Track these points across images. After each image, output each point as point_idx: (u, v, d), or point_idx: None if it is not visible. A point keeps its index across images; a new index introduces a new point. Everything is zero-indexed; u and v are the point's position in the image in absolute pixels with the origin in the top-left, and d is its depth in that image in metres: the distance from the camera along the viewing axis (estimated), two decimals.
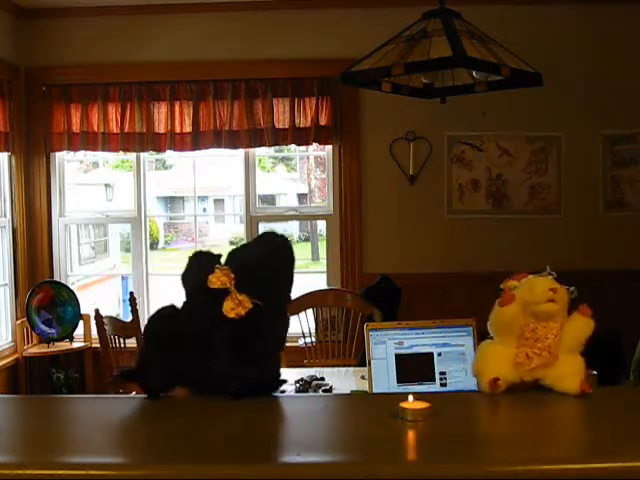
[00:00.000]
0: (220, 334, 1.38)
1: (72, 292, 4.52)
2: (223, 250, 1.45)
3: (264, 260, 1.42)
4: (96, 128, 4.48)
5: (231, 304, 1.36)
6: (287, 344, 3.83)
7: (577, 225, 4.51)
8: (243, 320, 1.36)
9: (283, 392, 2.65)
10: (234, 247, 1.49)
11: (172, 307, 1.45)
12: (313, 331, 3.90)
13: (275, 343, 1.45)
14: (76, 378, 4.40)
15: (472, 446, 1.17)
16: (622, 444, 1.14)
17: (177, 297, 1.48)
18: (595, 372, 1.85)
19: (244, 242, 1.55)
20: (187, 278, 1.46)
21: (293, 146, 4.72)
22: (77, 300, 4.50)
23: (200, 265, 1.44)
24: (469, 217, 4.54)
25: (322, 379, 2.77)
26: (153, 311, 1.48)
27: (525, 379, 1.40)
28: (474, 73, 2.85)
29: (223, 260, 1.44)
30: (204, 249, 1.50)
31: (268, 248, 1.44)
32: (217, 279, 1.37)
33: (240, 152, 4.62)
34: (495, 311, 1.44)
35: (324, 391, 2.63)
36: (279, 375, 1.46)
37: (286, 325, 1.48)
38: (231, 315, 1.35)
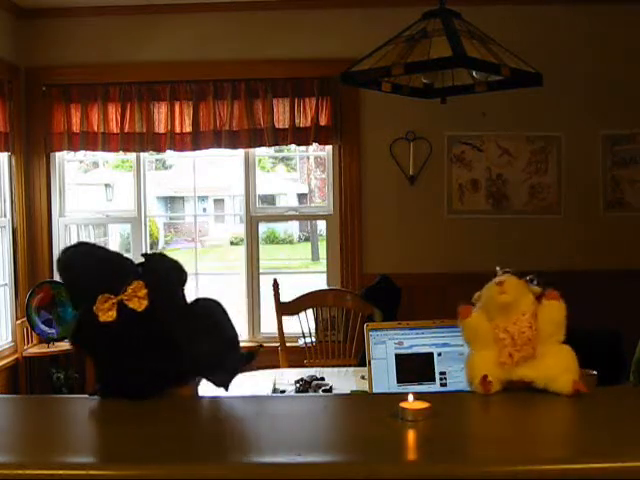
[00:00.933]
0: (153, 329, 1.38)
1: None
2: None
3: (78, 270, 1.45)
4: (96, 128, 4.48)
5: (136, 302, 1.36)
6: (287, 344, 3.83)
7: (577, 225, 4.51)
8: (153, 302, 1.37)
9: (283, 392, 2.66)
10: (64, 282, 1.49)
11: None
12: (313, 331, 3.91)
13: (179, 285, 1.45)
14: (76, 378, 4.40)
15: (472, 446, 1.17)
16: (622, 444, 1.14)
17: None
18: (595, 372, 1.85)
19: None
20: (82, 340, 1.46)
21: (293, 146, 4.72)
22: None
23: (79, 321, 1.44)
24: (469, 217, 4.54)
25: (322, 379, 2.77)
26: None
27: (513, 379, 1.40)
28: (474, 73, 2.85)
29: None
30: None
31: (67, 260, 1.48)
32: (105, 310, 1.38)
33: (240, 152, 4.62)
34: (460, 325, 1.47)
35: (324, 391, 2.63)
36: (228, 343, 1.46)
37: (172, 270, 1.48)
38: (145, 304, 1.36)
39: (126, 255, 1.50)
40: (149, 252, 1.50)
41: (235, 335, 1.47)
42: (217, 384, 1.42)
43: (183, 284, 1.45)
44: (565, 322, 1.43)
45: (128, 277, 1.40)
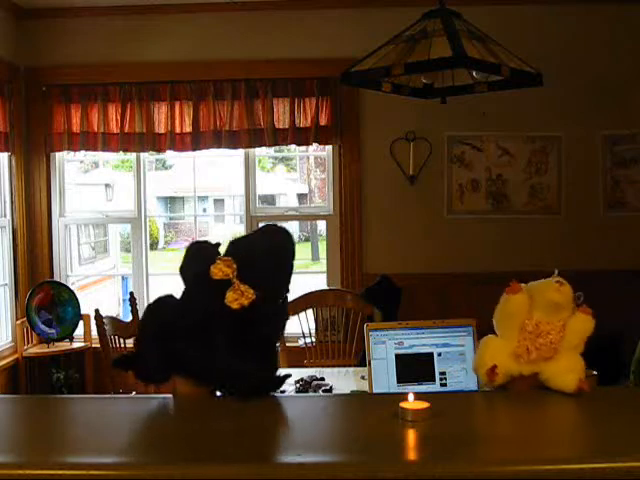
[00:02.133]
0: (221, 326, 1.37)
1: (72, 292, 4.52)
2: (223, 249, 1.46)
3: (266, 252, 1.43)
4: (96, 128, 4.47)
5: (234, 295, 1.35)
6: (287, 344, 3.82)
7: (577, 225, 4.51)
8: (245, 311, 1.36)
9: (283, 392, 2.66)
10: (235, 237, 1.49)
11: (171, 296, 1.45)
12: (313, 331, 3.91)
13: (275, 334, 1.45)
14: (76, 378, 4.40)
15: (472, 446, 1.17)
16: (622, 444, 1.14)
17: (176, 297, 1.47)
18: (595, 372, 1.85)
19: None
20: (186, 268, 1.46)
21: (293, 146, 4.71)
22: (77, 300, 4.50)
23: (199, 255, 1.44)
24: (469, 217, 4.54)
25: (322, 379, 2.77)
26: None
27: (524, 373, 1.41)
28: (474, 73, 2.85)
29: (223, 250, 1.44)
30: (202, 239, 1.50)
31: (270, 240, 1.45)
32: (219, 270, 1.37)
33: (240, 152, 4.62)
34: (503, 299, 1.47)
35: (324, 391, 2.63)
36: (276, 369, 1.46)
37: (285, 316, 1.49)
38: (234, 306, 1.35)
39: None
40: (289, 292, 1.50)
41: (277, 360, 1.48)
42: (238, 396, 1.40)
43: (278, 329, 1.49)
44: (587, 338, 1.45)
45: (274, 284, 1.42)
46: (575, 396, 1.36)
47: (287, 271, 1.46)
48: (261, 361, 1.41)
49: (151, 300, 1.49)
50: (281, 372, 1.48)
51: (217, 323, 1.38)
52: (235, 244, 1.46)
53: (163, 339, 1.39)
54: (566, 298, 1.44)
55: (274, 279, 1.43)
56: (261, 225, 1.54)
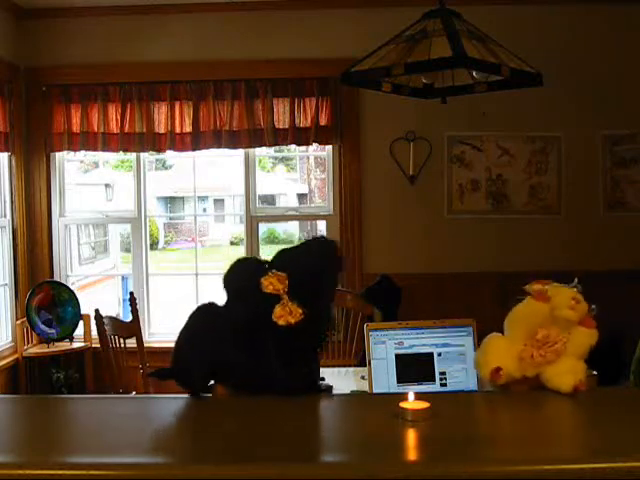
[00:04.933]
0: (269, 335, 1.38)
1: (72, 292, 4.52)
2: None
3: (318, 271, 1.42)
4: (96, 128, 4.47)
5: (281, 311, 1.35)
6: None
7: (577, 225, 4.51)
8: (291, 327, 1.37)
9: None
10: (283, 248, 1.48)
11: (214, 305, 1.45)
12: None
13: (320, 343, 1.47)
14: (76, 378, 4.39)
15: (472, 446, 1.17)
16: (622, 444, 1.14)
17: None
18: (595, 372, 1.85)
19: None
20: (232, 279, 1.45)
21: (293, 146, 4.71)
22: (77, 300, 4.50)
23: (247, 269, 1.44)
24: (469, 217, 4.54)
25: (322, 379, 2.77)
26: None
27: (528, 375, 1.41)
28: (474, 73, 2.85)
29: (270, 261, 1.45)
30: (248, 256, 1.50)
31: (322, 258, 1.44)
32: (270, 283, 1.37)
33: (240, 152, 4.62)
34: (526, 301, 1.47)
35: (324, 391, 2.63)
36: (318, 376, 1.50)
37: (328, 324, 1.49)
38: (280, 322, 1.35)
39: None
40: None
41: (318, 364, 1.49)
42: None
43: (323, 338, 1.47)
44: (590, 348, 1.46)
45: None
46: (574, 396, 1.36)
47: (334, 287, 1.47)
48: (303, 365, 1.42)
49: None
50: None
51: (265, 332, 1.38)
52: (285, 257, 1.45)
53: (210, 347, 1.39)
54: (579, 315, 1.45)
55: (322, 298, 1.44)
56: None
